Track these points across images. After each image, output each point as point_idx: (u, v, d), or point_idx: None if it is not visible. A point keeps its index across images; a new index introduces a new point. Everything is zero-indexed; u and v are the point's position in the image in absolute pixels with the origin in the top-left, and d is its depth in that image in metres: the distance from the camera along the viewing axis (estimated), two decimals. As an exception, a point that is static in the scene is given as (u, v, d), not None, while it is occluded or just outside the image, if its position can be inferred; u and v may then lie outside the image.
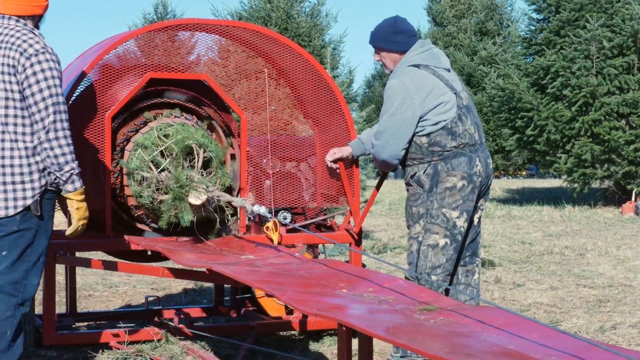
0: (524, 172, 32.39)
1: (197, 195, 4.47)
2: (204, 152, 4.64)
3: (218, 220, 4.67)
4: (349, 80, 13.73)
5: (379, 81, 40.62)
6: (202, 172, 4.62)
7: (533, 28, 17.64)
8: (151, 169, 4.56)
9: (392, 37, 4.63)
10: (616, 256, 9.01)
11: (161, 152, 4.57)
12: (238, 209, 4.85)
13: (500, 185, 22.72)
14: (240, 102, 5.10)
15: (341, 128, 5.09)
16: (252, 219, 4.92)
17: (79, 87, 4.71)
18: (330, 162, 4.95)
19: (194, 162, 4.61)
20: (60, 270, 6.99)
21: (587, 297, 6.69)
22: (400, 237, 11.02)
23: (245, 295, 5.51)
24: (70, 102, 4.65)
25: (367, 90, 41.94)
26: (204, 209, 4.56)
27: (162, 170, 4.54)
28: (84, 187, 3.75)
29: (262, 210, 4.60)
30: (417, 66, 4.56)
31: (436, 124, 4.49)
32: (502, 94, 17.00)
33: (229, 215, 4.75)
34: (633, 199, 15.09)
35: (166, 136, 4.62)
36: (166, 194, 4.52)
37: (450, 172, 4.49)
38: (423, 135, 4.50)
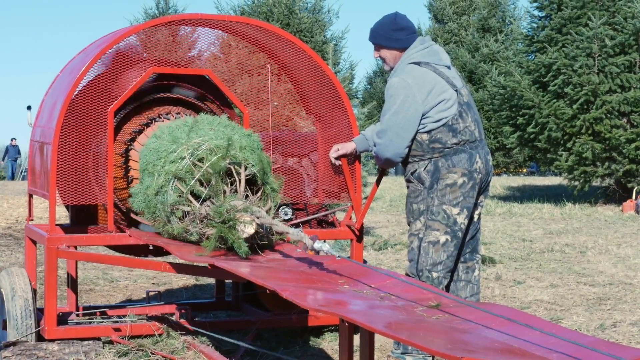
0: (525, 170, 32.39)
1: (242, 227, 3.99)
2: (245, 169, 4.22)
3: (273, 240, 4.23)
4: (350, 76, 13.73)
5: (380, 78, 40.55)
6: (246, 194, 4.22)
7: (535, 25, 17.62)
8: (191, 202, 4.16)
9: (392, 34, 4.62)
10: (616, 254, 9.02)
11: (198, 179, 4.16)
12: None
13: (501, 183, 22.71)
14: (242, 98, 5.10)
15: (343, 124, 5.09)
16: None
17: (81, 82, 4.71)
18: (334, 158, 4.94)
19: (236, 184, 4.19)
20: (61, 264, 7.01)
21: (587, 295, 6.69)
22: (401, 233, 11.03)
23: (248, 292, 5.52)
24: (73, 96, 4.65)
25: (369, 87, 41.87)
26: (257, 235, 4.10)
27: (204, 200, 4.14)
28: None
29: (326, 247, 3.79)
30: (418, 63, 4.55)
31: (437, 121, 4.49)
32: (503, 91, 16.99)
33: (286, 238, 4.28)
34: (634, 197, 15.09)
35: (200, 160, 4.19)
36: (213, 226, 4.08)
37: (450, 169, 4.49)
38: (424, 132, 4.51)
